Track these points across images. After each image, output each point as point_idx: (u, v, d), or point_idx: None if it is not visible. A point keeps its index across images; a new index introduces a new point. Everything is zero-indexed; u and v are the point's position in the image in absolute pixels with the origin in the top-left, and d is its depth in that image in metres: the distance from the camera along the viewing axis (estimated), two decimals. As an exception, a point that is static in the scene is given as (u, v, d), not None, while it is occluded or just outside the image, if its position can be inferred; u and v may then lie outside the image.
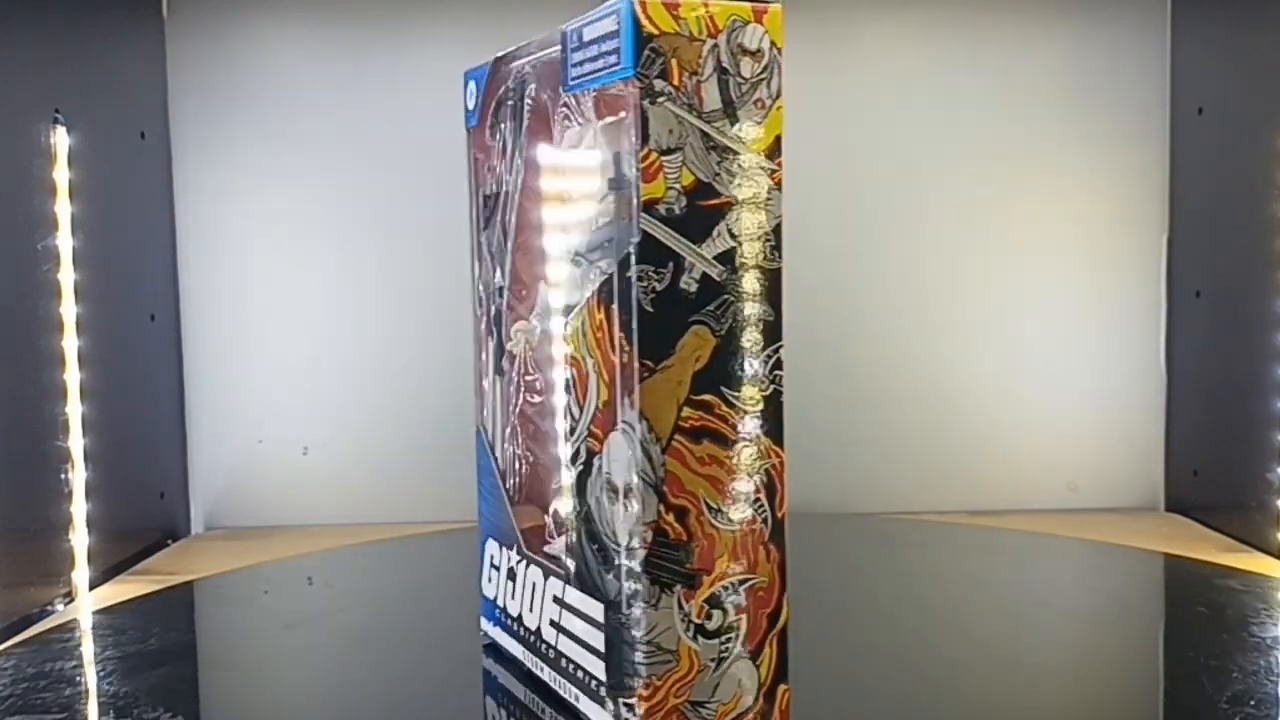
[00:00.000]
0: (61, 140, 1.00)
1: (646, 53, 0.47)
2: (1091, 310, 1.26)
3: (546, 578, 0.58)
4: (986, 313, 1.26)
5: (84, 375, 1.01)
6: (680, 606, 0.49)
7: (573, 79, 0.52)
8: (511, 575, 0.62)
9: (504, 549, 0.63)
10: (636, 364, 0.48)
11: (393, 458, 1.25)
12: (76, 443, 1.00)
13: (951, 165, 1.24)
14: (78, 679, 0.67)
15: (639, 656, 0.49)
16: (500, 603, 0.64)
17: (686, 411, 0.48)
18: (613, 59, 0.48)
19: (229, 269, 1.25)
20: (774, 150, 0.50)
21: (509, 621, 0.63)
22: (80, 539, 1.00)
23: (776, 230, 0.50)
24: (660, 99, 0.47)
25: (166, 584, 0.94)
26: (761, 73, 0.50)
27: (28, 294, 0.95)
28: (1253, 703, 0.58)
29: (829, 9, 1.24)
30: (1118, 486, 1.26)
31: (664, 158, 0.47)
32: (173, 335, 1.23)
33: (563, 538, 0.59)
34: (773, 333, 0.50)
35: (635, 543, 0.49)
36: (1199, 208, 1.20)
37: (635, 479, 0.48)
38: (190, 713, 0.62)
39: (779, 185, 0.50)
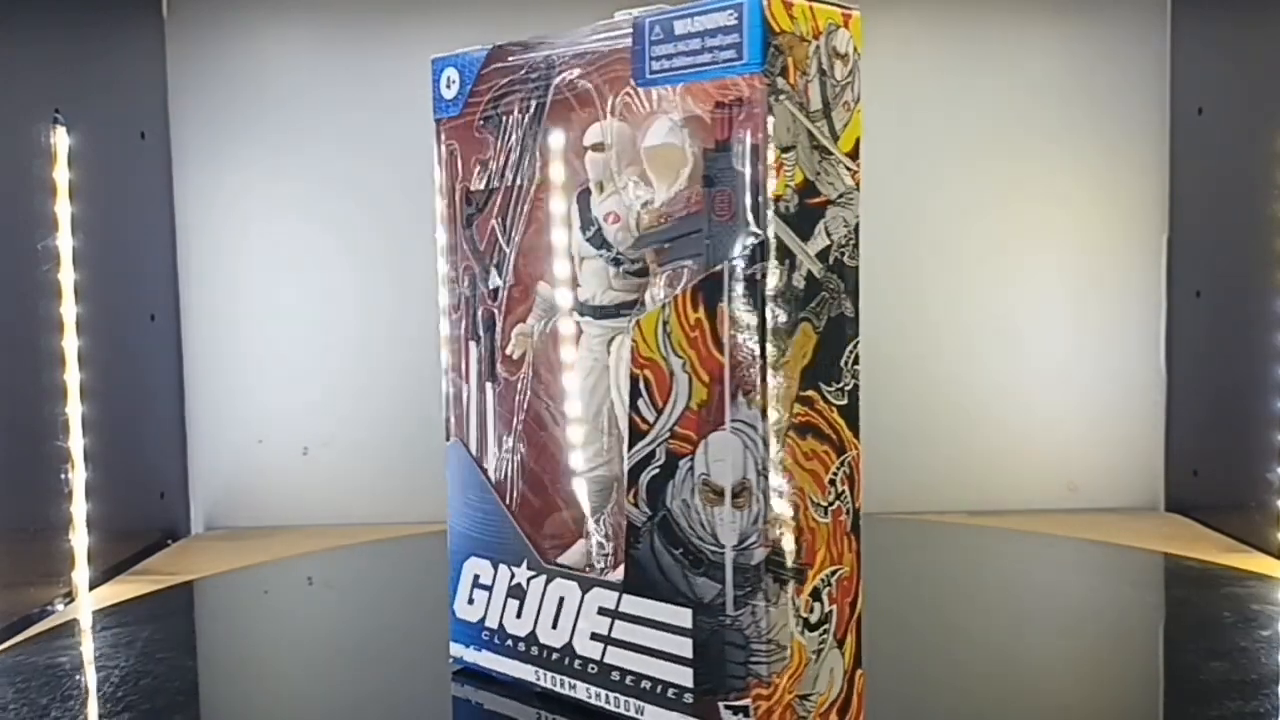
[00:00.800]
0: (61, 140, 1.00)
1: (771, 49, 0.47)
2: (1091, 310, 1.26)
3: (586, 589, 0.56)
4: (986, 313, 1.26)
5: (84, 375, 1.01)
6: (793, 602, 0.49)
7: (653, 71, 0.51)
8: (517, 593, 0.59)
9: (503, 566, 0.60)
10: (763, 361, 0.48)
11: (392, 458, 1.25)
12: (76, 443, 1.00)
13: (951, 165, 1.24)
14: (77, 679, 0.67)
15: (758, 655, 0.49)
16: (493, 624, 0.60)
17: (797, 408, 0.49)
18: (730, 54, 0.48)
19: (229, 269, 1.25)
20: (855, 152, 0.51)
21: (509, 642, 0.60)
22: (80, 539, 1.00)
23: (856, 229, 0.51)
24: (781, 97, 0.47)
25: (166, 584, 0.94)
26: (848, 76, 0.51)
27: (28, 294, 0.95)
28: (1253, 702, 0.58)
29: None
30: (1118, 486, 1.26)
31: (784, 155, 0.48)
32: (173, 335, 1.23)
33: (582, 544, 0.58)
34: (854, 328, 0.52)
35: (752, 541, 0.49)
36: (1199, 208, 1.20)
37: (753, 477, 0.48)
38: (189, 713, 0.62)
39: (858, 186, 0.51)
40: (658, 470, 0.52)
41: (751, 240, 0.48)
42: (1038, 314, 1.26)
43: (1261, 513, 1.05)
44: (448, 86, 0.62)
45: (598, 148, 0.56)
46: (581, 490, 0.60)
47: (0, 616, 0.86)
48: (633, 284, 0.57)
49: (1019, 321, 1.26)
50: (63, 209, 1.00)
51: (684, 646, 0.51)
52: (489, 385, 0.61)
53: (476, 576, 0.61)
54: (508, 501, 0.61)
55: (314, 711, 0.64)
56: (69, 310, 1.00)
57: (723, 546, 0.49)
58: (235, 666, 0.73)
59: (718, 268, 0.49)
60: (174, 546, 1.17)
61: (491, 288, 0.61)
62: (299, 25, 1.25)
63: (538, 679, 0.58)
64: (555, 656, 0.57)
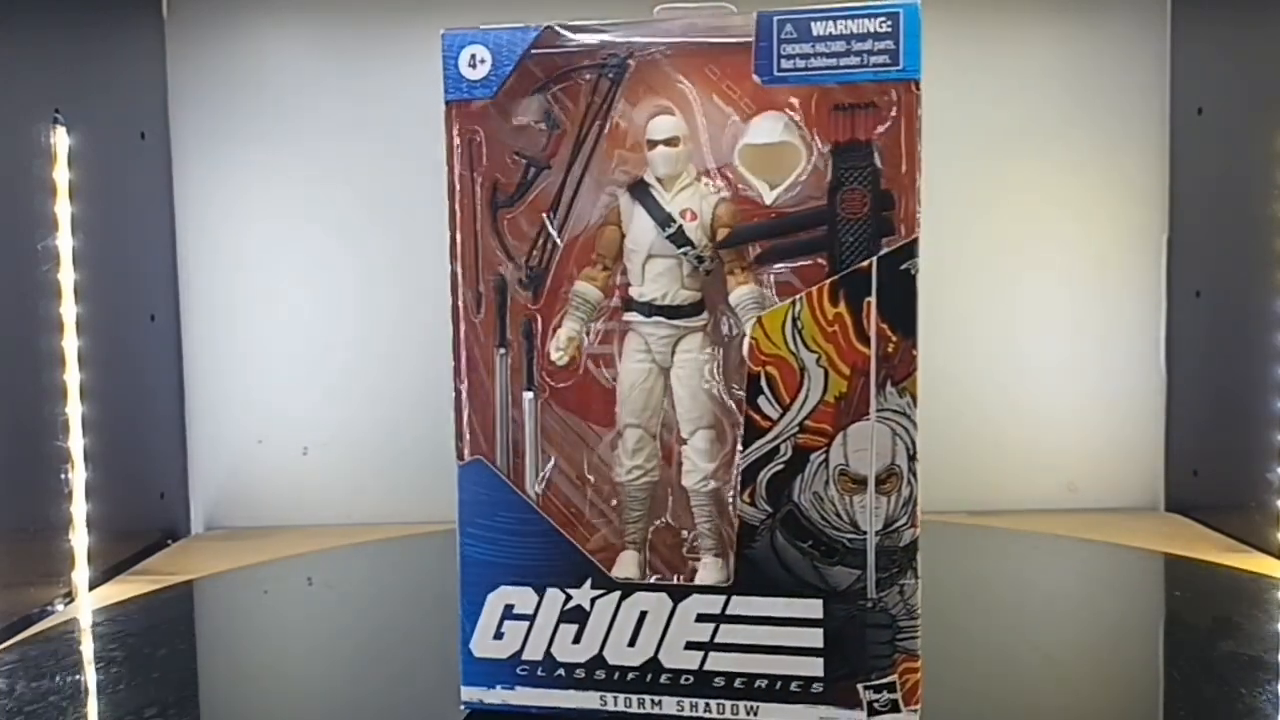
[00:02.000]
0: (61, 140, 1.00)
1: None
2: (1091, 310, 1.26)
3: (679, 598, 0.54)
4: (985, 312, 1.26)
5: (84, 375, 1.01)
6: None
7: (782, 69, 0.52)
8: (576, 616, 0.55)
9: (553, 590, 0.56)
10: (914, 352, 0.53)
11: (393, 458, 1.25)
12: (76, 443, 1.00)
13: (949, 164, 1.24)
14: (77, 679, 0.67)
15: (906, 632, 0.52)
16: (535, 655, 0.56)
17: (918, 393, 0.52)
18: (883, 59, 0.52)
19: (229, 269, 1.25)
20: None
21: (560, 672, 0.56)
22: (80, 539, 1.00)
23: None
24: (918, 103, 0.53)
25: (166, 584, 0.94)
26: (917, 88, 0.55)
27: (28, 294, 0.95)
28: (1252, 703, 0.58)
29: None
30: (1118, 486, 1.26)
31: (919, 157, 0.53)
32: (173, 335, 1.23)
33: (631, 555, 0.56)
34: None
35: (901, 523, 0.53)
36: (1199, 208, 1.20)
37: (904, 463, 0.53)
38: (189, 713, 0.62)
39: None
40: (782, 466, 0.52)
41: (898, 238, 0.53)
42: (1037, 314, 1.26)
43: (1261, 513, 1.05)
44: (472, 66, 0.56)
45: (671, 142, 0.55)
46: (632, 499, 0.58)
47: (0, 616, 0.86)
48: (700, 282, 0.57)
49: (1018, 321, 1.26)
50: (63, 209, 1.00)
51: (814, 637, 0.52)
52: (526, 395, 0.57)
53: (509, 607, 0.57)
54: (558, 520, 0.57)
55: (314, 712, 0.64)
56: (69, 310, 1.00)
57: (863, 533, 0.52)
58: (235, 666, 0.73)
59: (863, 263, 0.52)
60: (174, 546, 1.17)
61: (532, 289, 0.58)
62: (300, 25, 1.25)
63: (603, 704, 0.55)
64: (632, 676, 0.55)
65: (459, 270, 0.58)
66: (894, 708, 0.52)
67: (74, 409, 1.00)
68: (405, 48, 1.25)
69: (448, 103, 0.57)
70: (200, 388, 1.25)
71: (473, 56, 0.56)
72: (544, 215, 0.57)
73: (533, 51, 0.55)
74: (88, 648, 0.74)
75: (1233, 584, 0.84)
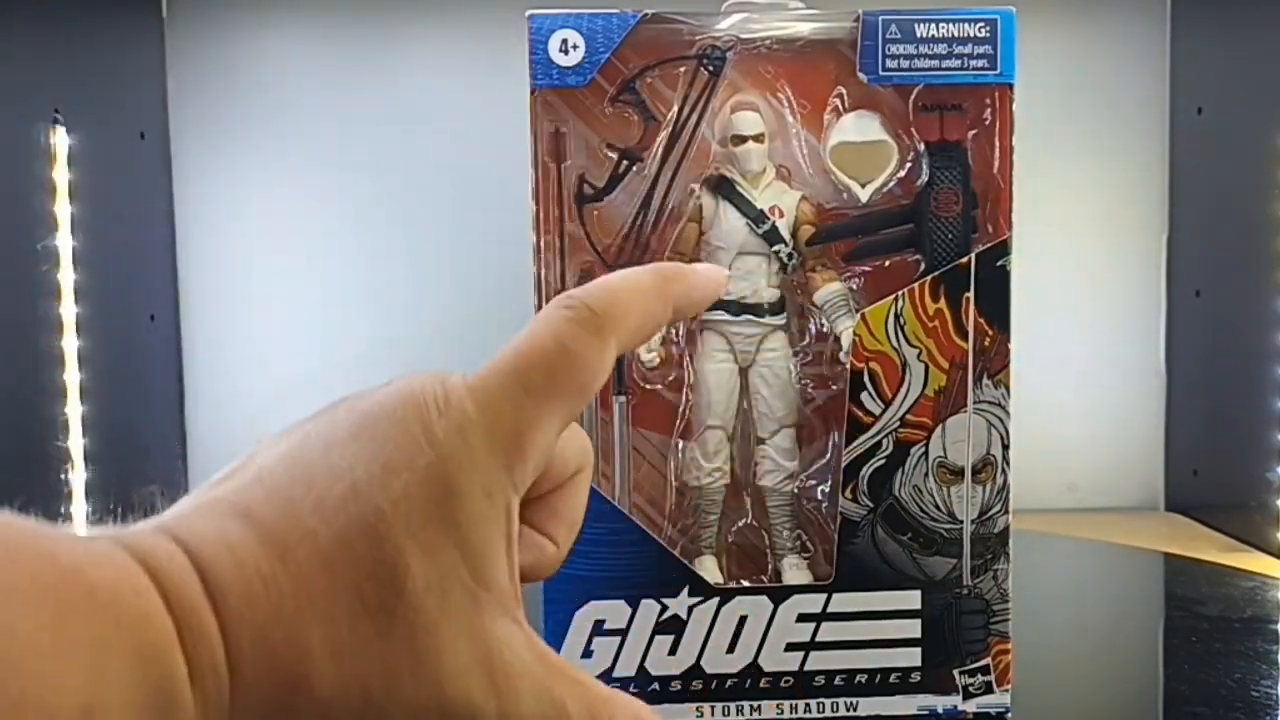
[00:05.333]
0: (61, 140, 1.00)
1: None
2: (1091, 310, 1.26)
3: (780, 600, 0.53)
4: (986, 313, 1.26)
5: (84, 375, 1.01)
6: None
7: (886, 69, 0.53)
8: (672, 626, 0.53)
9: (647, 601, 0.53)
10: (1009, 345, 0.53)
11: (393, 458, 1.25)
12: (76, 443, 1.00)
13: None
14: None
15: (999, 615, 0.53)
16: (627, 671, 0.54)
17: None
18: (982, 63, 0.52)
19: (229, 269, 1.25)
20: None
21: (654, 686, 0.53)
22: (80, 539, 1.00)
23: None
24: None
25: (166, 584, 0.94)
26: None
27: (28, 294, 0.95)
28: (1252, 703, 0.58)
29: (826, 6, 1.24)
30: (1118, 486, 1.26)
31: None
32: (173, 335, 1.23)
33: (706, 560, 0.55)
34: None
35: (995, 511, 0.53)
36: (1199, 208, 1.20)
37: (998, 452, 0.53)
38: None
39: None
40: (883, 461, 0.53)
41: (994, 236, 0.52)
42: (1036, 313, 1.25)
43: (1261, 513, 1.05)
44: (563, 51, 0.53)
45: (759, 138, 0.54)
46: (710, 502, 0.57)
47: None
48: (780, 279, 0.56)
49: (1018, 321, 1.26)
50: (63, 209, 1.00)
51: (911, 628, 0.53)
52: (617, 400, 0.55)
53: (599, 623, 0.54)
54: (651, 528, 0.55)
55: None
56: (69, 310, 1.00)
57: (959, 522, 0.52)
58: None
59: (963, 260, 0.52)
60: (174, 546, 1.17)
61: None
62: (300, 25, 1.25)
63: (700, 715, 0.54)
64: (731, 684, 0.53)
65: (541, 269, 0.54)
66: (988, 689, 0.53)
67: (74, 409, 1.00)
68: (405, 47, 1.25)
69: (535, 89, 0.53)
70: (200, 388, 1.25)
71: (564, 41, 0.53)
72: (625, 212, 0.55)
73: (628, 40, 0.53)
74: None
75: (1232, 583, 0.84)
